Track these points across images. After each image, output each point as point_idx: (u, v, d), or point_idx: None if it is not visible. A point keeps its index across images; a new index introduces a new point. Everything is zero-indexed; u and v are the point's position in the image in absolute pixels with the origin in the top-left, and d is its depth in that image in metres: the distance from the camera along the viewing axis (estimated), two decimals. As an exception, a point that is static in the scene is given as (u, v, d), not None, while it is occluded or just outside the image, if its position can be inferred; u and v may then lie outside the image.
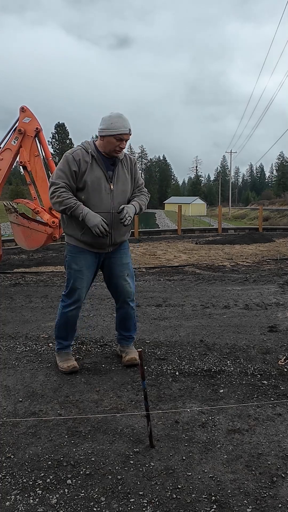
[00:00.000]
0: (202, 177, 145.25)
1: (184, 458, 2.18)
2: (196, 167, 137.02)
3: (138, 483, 2.01)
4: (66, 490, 1.97)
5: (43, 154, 7.92)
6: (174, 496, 1.92)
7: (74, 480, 2.03)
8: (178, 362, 3.34)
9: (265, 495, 1.91)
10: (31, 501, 1.91)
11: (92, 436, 2.37)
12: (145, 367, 3.19)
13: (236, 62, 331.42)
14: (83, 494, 1.94)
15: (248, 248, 13.10)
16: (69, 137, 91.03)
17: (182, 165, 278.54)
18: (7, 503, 1.89)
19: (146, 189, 3.36)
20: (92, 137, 3.35)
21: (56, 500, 1.91)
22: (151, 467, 2.11)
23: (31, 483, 2.02)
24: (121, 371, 3.22)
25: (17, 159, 8.06)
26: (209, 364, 3.31)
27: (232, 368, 3.23)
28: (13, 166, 8.77)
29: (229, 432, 2.40)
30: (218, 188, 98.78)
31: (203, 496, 1.91)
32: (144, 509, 1.85)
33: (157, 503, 1.88)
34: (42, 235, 7.60)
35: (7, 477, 2.06)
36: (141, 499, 1.91)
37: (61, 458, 2.19)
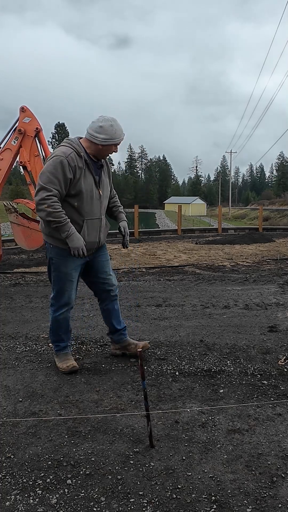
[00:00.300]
0: (202, 177, 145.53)
1: (184, 458, 2.18)
2: (196, 167, 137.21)
3: (138, 483, 2.01)
4: (66, 490, 1.97)
5: (43, 154, 7.93)
6: (174, 496, 1.92)
7: (74, 480, 2.03)
8: (178, 362, 3.34)
9: (265, 495, 1.91)
10: (31, 501, 1.91)
11: (92, 436, 2.37)
12: (145, 367, 3.19)
13: (236, 62, 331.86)
14: (83, 494, 1.94)
15: (248, 248, 13.10)
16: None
17: (182, 165, 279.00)
18: (7, 503, 1.89)
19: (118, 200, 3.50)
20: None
21: (56, 500, 1.91)
22: (151, 467, 2.11)
23: (31, 483, 2.02)
24: (121, 371, 3.22)
25: (17, 159, 8.07)
26: (209, 364, 3.31)
27: (232, 368, 3.23)
28: (13, 166, 8.78)
29: (229, 432, 2.40)
30: (218, 188, 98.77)
31: (203, 496, 1.91)
32: (144, 509, 1.86)
33: (157, 503, 1.88)
34: (42, 235, 7.59)
35: (7, 477, 2.06)
36: (141, 499, 1.91)
37: (61, 458, 2.19)
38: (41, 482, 2.03)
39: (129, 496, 1.93)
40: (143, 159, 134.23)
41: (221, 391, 2.90)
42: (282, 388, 2.92)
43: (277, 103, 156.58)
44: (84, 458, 2.19)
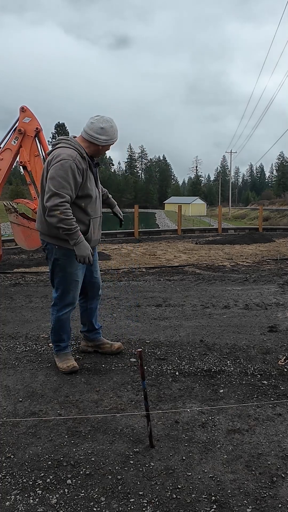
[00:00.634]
0: (202, 177, 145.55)
1: (184, 458, 2.18)
2: (196, 167, 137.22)
3: (138, 483, 2.01)
4: (66, 490, 1.97)
5: (43, 154, 7.92)
6: (174, 496, 1.92)
7: (74, 480, 2.03)
8: (178, 362, 3.34)
9: (265, 495, 1.91)
10: (31, 501, 1.91)
11: (92, 436, 2.37)
12: (145, 367, 3.19)
13: (236, 62, 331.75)
14: (83, 494, 1.94)
15: (248, 248, 13.10)
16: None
17: (182, 165, 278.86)
18: (7, 503, 1.89)
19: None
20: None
21: (56, 500, 1.91)
22: (151, 467, 2.11)
23: (31, 483, 2.02)
24: (121, 371, 3.22)
25: (17, 159, 8.07)
26: (209, 364, 3.31)
27: (232, 368, 3.23)
28: (13, 166, 8.77)
29: (229, 432, 2.40)
30: (218, 188, 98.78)
31: (203, 496, 1.92)
32: (144, 509, 1.86)
33: (157, 503, 1.88)
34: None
35: (7, 477, 2.06)
36: (141, 499, 1.91)
37: (61, 458, 2.19)
38: (41, 482, 2.03)
39: (129, 496, 1.93)
40: (143, 159, 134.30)
41: (221, 391, 2.90)
42: (282, 388, 2.92)
43: (277, 103, 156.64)
44: (84, 458, 2.19)
